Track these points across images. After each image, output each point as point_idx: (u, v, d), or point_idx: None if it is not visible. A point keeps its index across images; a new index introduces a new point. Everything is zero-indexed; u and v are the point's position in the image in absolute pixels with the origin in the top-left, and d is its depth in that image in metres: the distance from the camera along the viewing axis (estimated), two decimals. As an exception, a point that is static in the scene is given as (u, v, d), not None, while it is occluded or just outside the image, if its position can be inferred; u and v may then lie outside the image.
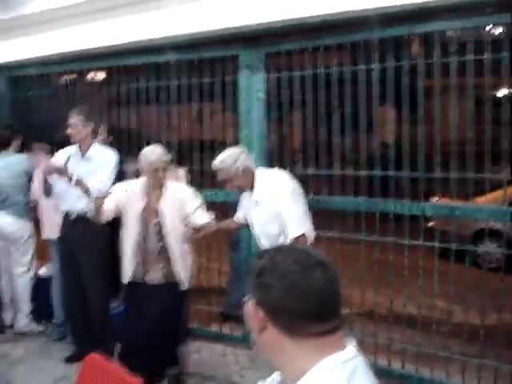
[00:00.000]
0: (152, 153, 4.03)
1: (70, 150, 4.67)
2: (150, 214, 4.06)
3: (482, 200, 4.73)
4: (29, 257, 5.43)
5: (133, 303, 4.19)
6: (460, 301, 4.10)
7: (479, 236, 5.42)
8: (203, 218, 4.02)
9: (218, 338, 5.14)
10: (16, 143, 5.48)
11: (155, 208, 4.06)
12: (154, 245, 4.06)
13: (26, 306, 5.40)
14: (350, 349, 1.31)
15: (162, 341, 4.01)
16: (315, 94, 4.45)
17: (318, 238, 4.08)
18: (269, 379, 1.46)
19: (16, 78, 6.23)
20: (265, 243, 3.87)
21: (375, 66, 4.19)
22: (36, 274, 5.55)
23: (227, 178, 3.80)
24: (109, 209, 4.08)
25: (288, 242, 3.70)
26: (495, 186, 4.28)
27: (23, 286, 5.40)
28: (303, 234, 3.71)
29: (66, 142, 4.81)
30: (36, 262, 5.61)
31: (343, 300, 1.32)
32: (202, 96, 5.09)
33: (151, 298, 4.04)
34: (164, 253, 4.05)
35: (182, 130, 5.38)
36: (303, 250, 1.35)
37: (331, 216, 4.53)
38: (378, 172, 4.32)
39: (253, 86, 4.77)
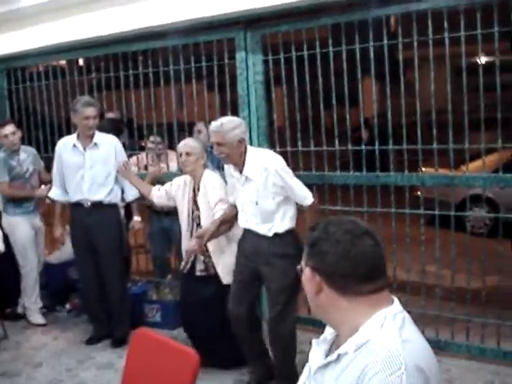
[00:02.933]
0: (182, 142, 4.16)
1: (70, 140, 4.76)
2: (192, 208, 4.14)
3: (473, 168, 4.87)
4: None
5: (184, 294, 4.35)
6: (449, 265, 4.27)
7: (469, 202, 5.56)
8: (219, 213, 3.92)
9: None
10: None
11: (196, 201, 4.11)
12: None
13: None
14: (397, 303, 1.50)
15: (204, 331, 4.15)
16: (313, 74, 4.58)
17: (322, 212, 4.28)
18: (321, 337, 1.63)
19: (13, 70, 6.24)
20: (254, 220, 3.69)
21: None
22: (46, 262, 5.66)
23: (220, 141, 3.59)
24: (158, 194, 4.28)
25: (291, 214, 3.66)
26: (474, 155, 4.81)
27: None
28: (314, 201, 3.67)
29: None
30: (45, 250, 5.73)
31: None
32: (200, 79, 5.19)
33: (197, 289, 4.14)
34: (204, 245, 3.95)
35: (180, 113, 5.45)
36: (351, 221, 1.52)
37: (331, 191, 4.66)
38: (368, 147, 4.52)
39: (250, 68, 4.86)
